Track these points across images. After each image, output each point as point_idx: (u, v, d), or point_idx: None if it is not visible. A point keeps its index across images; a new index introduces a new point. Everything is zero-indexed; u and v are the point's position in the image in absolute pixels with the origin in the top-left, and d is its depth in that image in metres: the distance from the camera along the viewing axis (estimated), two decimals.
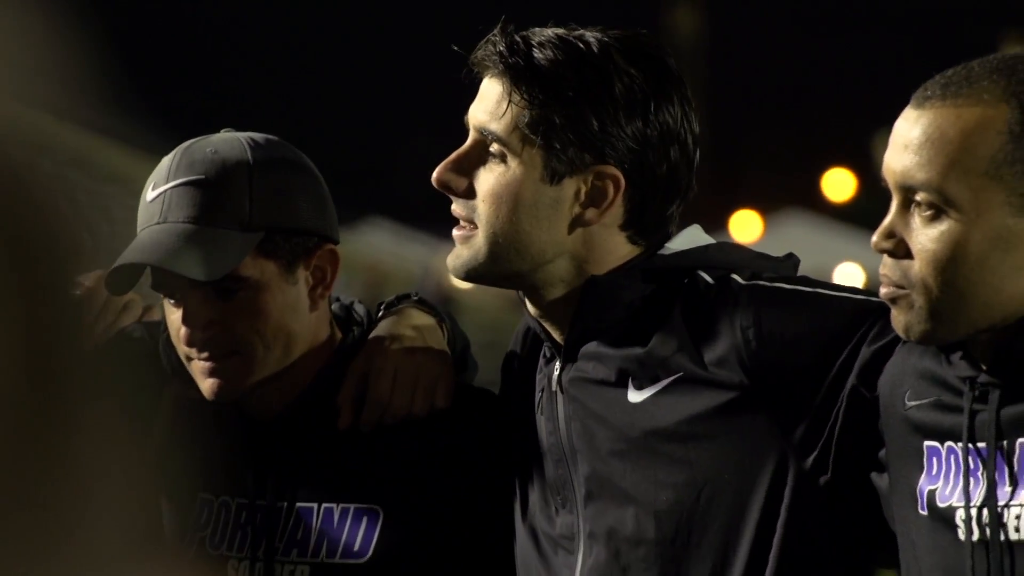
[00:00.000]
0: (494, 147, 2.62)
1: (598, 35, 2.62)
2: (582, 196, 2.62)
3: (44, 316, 0.55)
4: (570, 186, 2.62)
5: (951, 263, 2.33)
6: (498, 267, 2.63)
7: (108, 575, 0.61)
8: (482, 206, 2.62)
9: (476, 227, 2.63)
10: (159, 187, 2.73)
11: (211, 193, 2.72)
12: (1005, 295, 2.35)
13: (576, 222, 2.63)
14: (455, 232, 2.66)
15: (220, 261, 2.68)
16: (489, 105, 2.62)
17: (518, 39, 2.61)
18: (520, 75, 2.59)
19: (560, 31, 2.62)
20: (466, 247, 2.64)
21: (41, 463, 0.56)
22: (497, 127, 2.61)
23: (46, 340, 0.54)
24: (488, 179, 2.63)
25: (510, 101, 2.60)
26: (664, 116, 2.62)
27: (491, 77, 2.63)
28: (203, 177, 2.72)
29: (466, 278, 2.68)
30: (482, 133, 2.63)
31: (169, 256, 2.67)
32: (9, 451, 0.53)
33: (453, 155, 2.65)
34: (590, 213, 2.62)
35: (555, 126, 2.59)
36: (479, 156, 2.64)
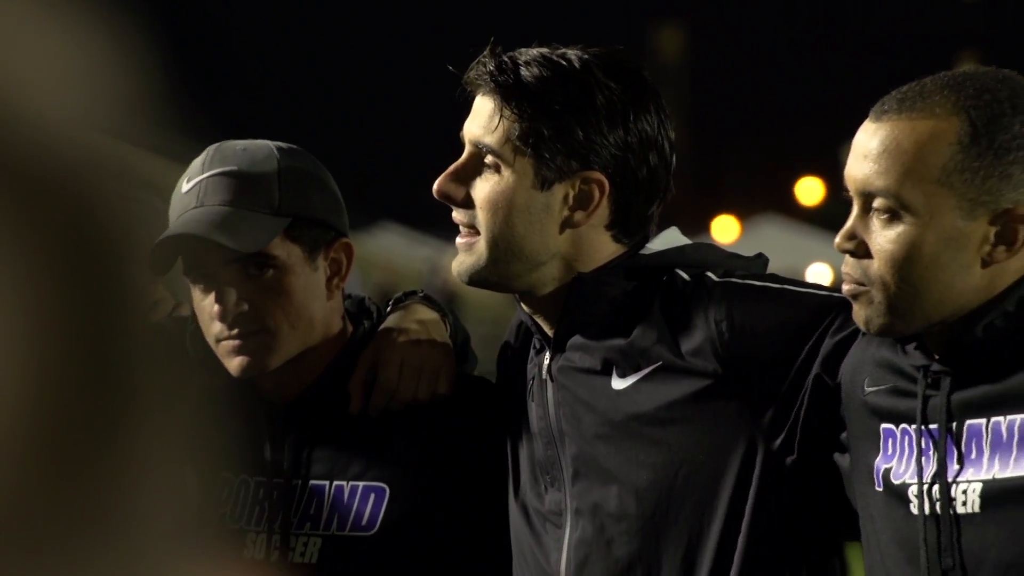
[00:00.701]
0: (488, 159, 2.62)
1: (579, 52, 2.62)
2: (571, 200, 2.62)
3: (103, 314, 0.52)
4: (559, 191, 2.61)
5: (907, 262, 2.34)
6: (498, 270, 2.62)
7: (160, 569, 0.57)
8: (481, 213, 2.61)
9: (477, 234, 2.62)
10: (194, 178, 2.73)
11: (244, 180, 2.72)
12: (955, 290, 2.35)
13: (566, 224, 2.63)
14: (459, 240, 2.65)
15: (254, 237, 2.69)
16: (483, 120, 2.62)
17: (506, 59, 2.61)
18: (510, 92, 2.59)
19: (544, 50, 2.63)
20: (469, 254, 2.63)
21: (98, 458, 0.54)
22: (491, 140, 2.61)
23: (105, 339, 0.51)
24: (485, 188, 2.62)
25: (501, 116, 2.59)
26: (642, 124, 2.62)
27: (483, 95, 2.63)
28: (236, 168, 2.73)
29: (470, 282, 2.66)
30: (477, 146, 2.63)
31: (210, 230, 2.67)
32: (67, 443, 0.51)
33: (451, 168, 2.65)
34: (578, 215, 2.62)
35: (543, 137, 2.59)
36: (475, 168, 2.64)
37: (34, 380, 0.50)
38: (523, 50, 2.64)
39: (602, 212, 2.62)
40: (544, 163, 2.60)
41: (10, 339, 0.49)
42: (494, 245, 2.61)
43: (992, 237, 2.33)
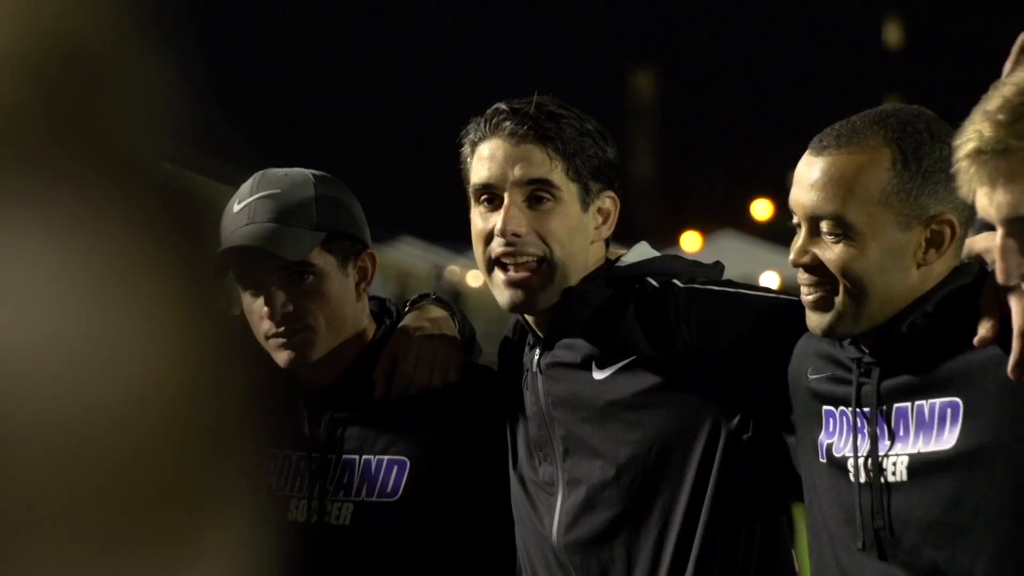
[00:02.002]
0: (543, 194, 2.57)
1: (539, 98, 2.62)
2: (597, 219, 2.63)
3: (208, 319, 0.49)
4: (591, 211, 2.62)
5: (857, 273, 2.34)
6: (558, 288, 2.59)
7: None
8: (553, 243, 2.57)
9: (545, 264, 2.57)
10: (244, 200, 2.73)
11: (286, 201, 2.72)
12: (896, 292, 2.35)
13: (593, 239, 2.64)
14: (518, 275, 2.57)
15: (298, 248, 2.69)
16: (529, 159, 2.57)
17: (523, 109, 2.58)
18: (546, 134, 2.57)
19: (549, 102, 2.62)
20: (531, 282, 2.57)
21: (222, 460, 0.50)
22: (548, 173, 2.57)
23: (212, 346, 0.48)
24: (555, 221, 2.58)
25: (551, 155, 2.56)
26: (615, 147, 2.65)
27: (519, 142, 2.57)
28: (279, 191, 2.73)
29: (523, 309, 2.63)
30: (536, 184, 2.56)
31: (261, 242, 2.68)
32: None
33: (512, 212, 2.56)
34: (603, 230, 2.64)
35: (580, 166, 2.58)
36: (530, 202, 2.58)
37: (175, 381, 0.47)
38: (505, 104, 2.61)
39: (613, 225, 2.65)
40: (583, 188, 2.59)
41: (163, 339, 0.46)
42: (564, 271, 2.59)
43: (924, 243, 2.34)
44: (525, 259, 2.57)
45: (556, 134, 2.57)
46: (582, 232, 2.60)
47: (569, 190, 2.58)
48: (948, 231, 2.34)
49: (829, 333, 2.39)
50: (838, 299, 2.35)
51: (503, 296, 2.58)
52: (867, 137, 2.35)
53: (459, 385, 2.77)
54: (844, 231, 2.34)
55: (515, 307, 2.60)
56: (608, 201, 2.63)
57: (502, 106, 2.61)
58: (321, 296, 2.72)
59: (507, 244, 2.56)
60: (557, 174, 2.57)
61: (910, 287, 2.35)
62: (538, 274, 2.57)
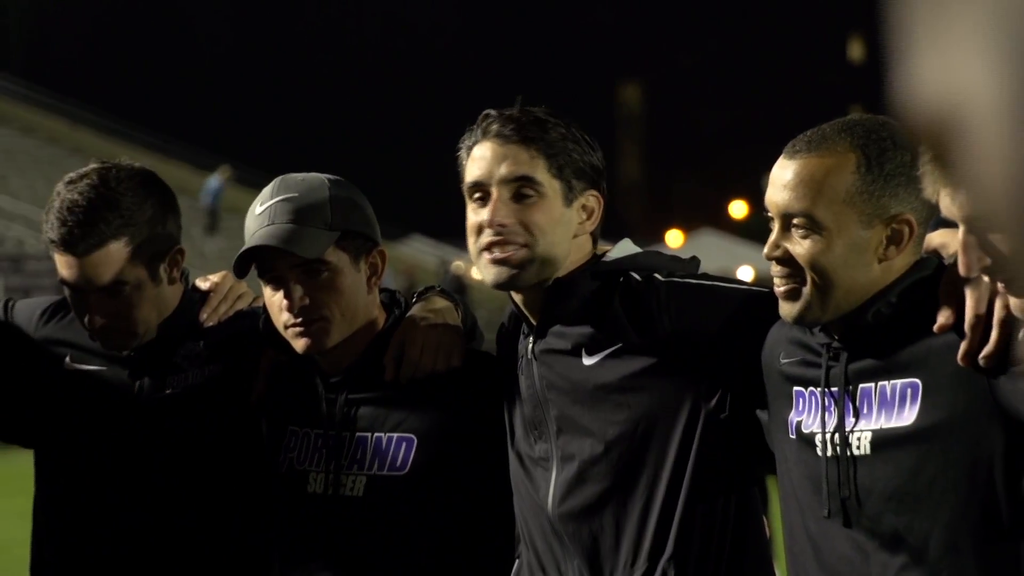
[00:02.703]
0: (527, 187, 2.58)
1: (529, 107, 2.63)
2: (580, 215, 2.62)
3: None
4: (575, 207, 2.60)
5: (824, 266, 2.34)
6: (537, 275, 2.59)
7: None
8: (536, 233, 2.56)
9: (528, 248, 2.57)
10: (265, 203, 2.73)
11: (304, 204, 2.71)
12: (860, 284, 2.35)
13: (576, 234, 2.62)
14: (494, 254, 2.57)
15: (314, 247, 2.68)
16: (523, 160, 2.57)
17: (510, 117, 2.59)
18: (532, 136, 2.57)
19: (536, 110, 2.62)
20: (514, 264, 2.56)
21: None
22: (532, 171, 2.57)
23: None
24: (538, 214, 2.57)
25: (535, 155, 2.57)
26: (599, 152, 2.64)
27: (507, 144, 2.58)
28: (297, 195, 2.72)
29: (507, 288, 2.62)
30: (521, 182, 2.57)
31: (282, 242, 2.67)
32: None
33: (496, 206, 2.57)
34: (587, 225, 2.62)
35: (564, 166, 2.58)
36: (516, 197, 2.58)
37: None
38: (495, 111, 2.62)
39: (597, 221, 2.63)
40: (566, 186, 2.59)
41: None
42: (544, 259, 2.58)
43: (885, 240, 2.34)
44: (511, 247, 2.57)
45: (540, 136, 2.58)
46: (565, 225, 2.59)
47: (552, 187, 2.57)
48: (907, 230, 2.34)
49: (799, 321, 2.39)
50: (806, 289, 2.36)
51: (488, 274, 2.59)
52: (835, 143, 2.36)
53: (461, 369, 2.76)
54: (813, 227, 2.34)
55: (499, 284, 2.59)
56: (592, 199, 2.62)
57: (491, 112, 2.63)
58: (335, 290, 2.71)
59: (495, 234, 2.56)
60: (540, 172, 2.57)
61: (872, 279, 2.35)
62: (520, 253, 2.56)
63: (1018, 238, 0.36)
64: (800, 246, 2.35)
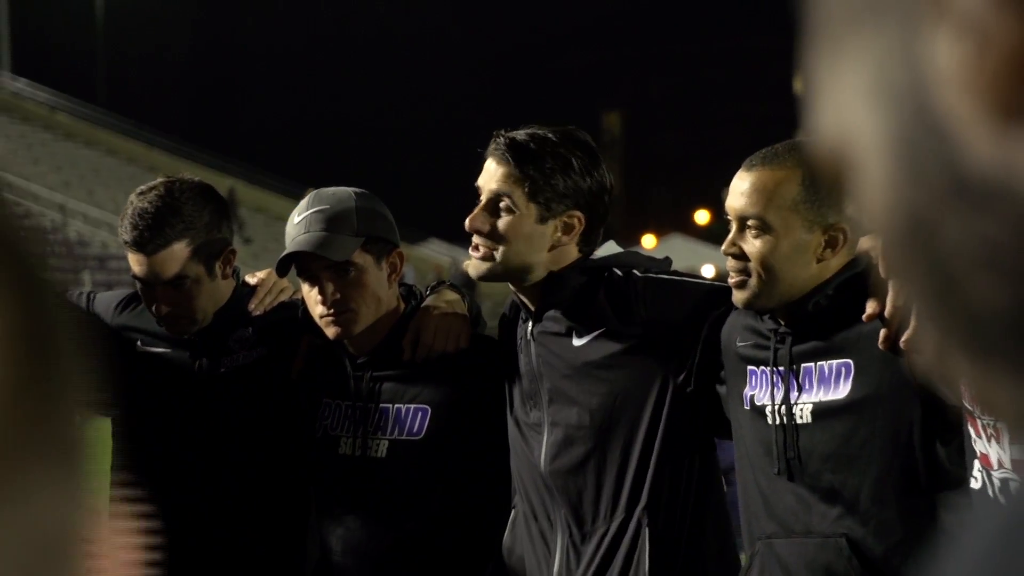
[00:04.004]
0: (504, 203, 2.57)
1: (556, 131, 2.60)
2: (559, 230, 2.58)
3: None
4: (551, 225, 2.57)
5: (770, 262, 2.34)
6: (506, 275, 2.60)
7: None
8: (500, 242, 2.56)
9: (494, 252, 2.57)
10: (302, 213, 2.72)
11: (334, 214, 2.70)
12: (800, 279, 2.34)
13: (554, 245, 2.59)
14: (475, 253, 2.60)
15: (343, 251, 2.67)
16: (502, 177, 2.57)
17: (513, 139, 2.57)
18: (521, 159, 2.55)
19: (533, 130, 2.60)
20: (486, 264, 2.58)
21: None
22: (510, 190, 2.56)
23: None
24: (505, 225, 2.57)
25: (515, 175, 2.55)
26: (599, 175, 2.60)
27: (499, 161, 2.58)
28: (328, 207, 2.71)
29: (483, 280, 2.65)
30: (497, 195, 2.57)
31: (316, 247, 2.66)
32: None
33: (477, 210, 2.59)
34: (564, 239, 2.59)
35: (543, 189, 2.55)
36: (494, 210, 2.58)
37: None
38: (523, 131, 2.60)
39: (578, 236, 2.60)
40: (542, 207, 2.56)
41: None
42: (506, 261, 2.57)
43: (823, 244, 2.33)
44: (483, 250, 2.58)
45: (529, 163, 2.55)
46: (537, 239, 2.56)
47: (527, 208, 2.55)
48: (841, 236, 2.33)
49: (748, 306, 2.39)
50: (752, 280, 2.36)
51: (470, 268, 2.63)
52: (785, 159, 2.36)
53: (468, 350, 2.75)
54: (764, 229, 2.34)
55: (477, 277, 2.63)
56: (574, 218, 2.58)
57: (504, 133, 2.61)
58: (361, 286, 2.70)
59: (475, 236, 2.59)
60: (517, 193, 2.55)
61: (811, 276, 2.34)
62: (487, 258, 2.58)
63: (891, 256, 0.37)
64: (752, 244, 2.35)
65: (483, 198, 2.59)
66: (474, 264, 2.61)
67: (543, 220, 2.56)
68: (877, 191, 0.36)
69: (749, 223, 2.35)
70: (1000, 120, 0.33)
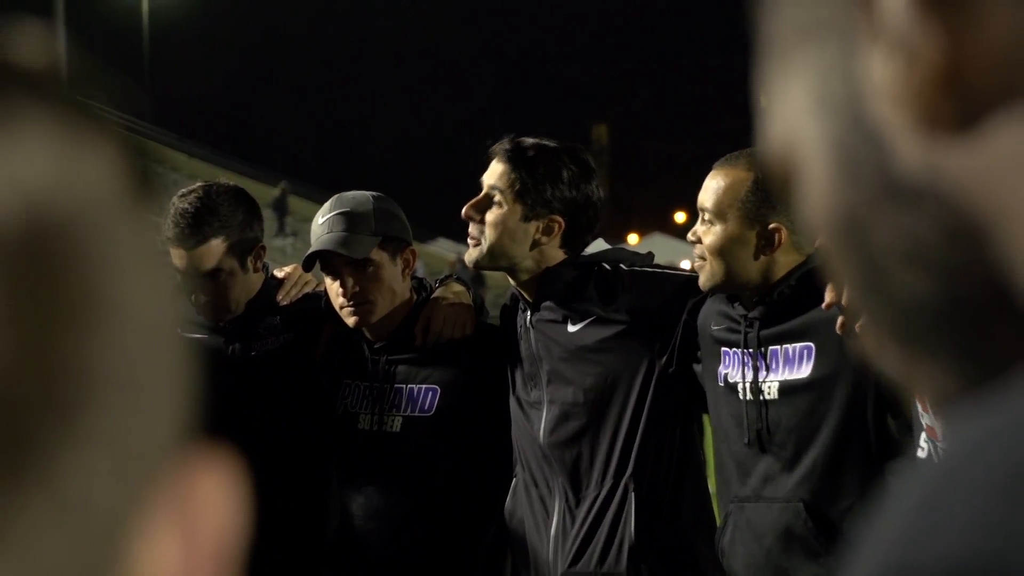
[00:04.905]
0: (496, 198, 2.57)
1: (556, 143, 2.60)
2: (540, 231, 2.57)
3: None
4: (533, 225, 2.57)
5: (716, 250, 2.35)
6: (492, 263, 2.60)
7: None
8: (487, 230, 2.57)
9: (482, 241, 2.58)
10: (325, 215, 2.71)
11: (354, 216, 2.69)
12: (746, 270, 2.34)
13: (535, 244, 2.58)
14: (471, 241, 2.61)
15: (362, 249, 2.66)
16: (497, 175, 2.57)
17: (517, 144, 2.58)
18: (516, 162, 2.56)
19: (537, 140, 2.60)
20: (476, 251, 2.59)
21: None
22: (501, 187, 2.56)
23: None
24: (491, 216, 2.57)
25: (508, 175, 2.56)
26: (587, 189, 2.59)
27: (499, 160, 2.59)
28: (349, 209, 2.70)
29: (475, 268, 2.64)
30: (492, 189, 2.58)
31: (337, 246, 2.65)
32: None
33: (473, 201, 2.60)
34: (544, 240, 2.57)
35: (530, 192, 2.55)
36: (487, 203, 2.59)
37: None
38: (524, 138, 2.61)
39: (557, 239, 2.58)
40: (527, 207, 2.56)
41: None
42: (491, 250, 2.57)
43: (762, 242, 2.34)
44: (473, 239, 2.59)
45: (521, 166, 2.56)
46: (518, 234, 2.56)
47: (513, 206, 2.56)
48: (778, 236, 2.33)
49: (707, 288, 2.40)
50: (707, 265, 2.36)
51: (467, 256, 2.64)
52: (740, 164, 2.37)
53: (473, 336, 2.74)
54: (712, 221, 2.35)
55: (470, 264, 2.62)
56: (555, 224, 2.57)
57: (509, 139, 2.62)
58: (378, 280, 2.69)
59: (470, 227, 2.60)
60: (507, 190, 2.56)
61: (757, 270, 2.34)
62: (477, 245, 2.59)
63: (831, 250, 0.37)
64: (705, 234, 2.36)
65: (483, 191, 2.59)
66: (469, 253, 2.62)
67: (526, 219, 2.56)
68: (819, 192, 0.37)
69: (705, 216, 2.37)
70: (926, 130, 0.33)
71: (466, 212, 2.59)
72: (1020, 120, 0.32)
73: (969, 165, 0.33)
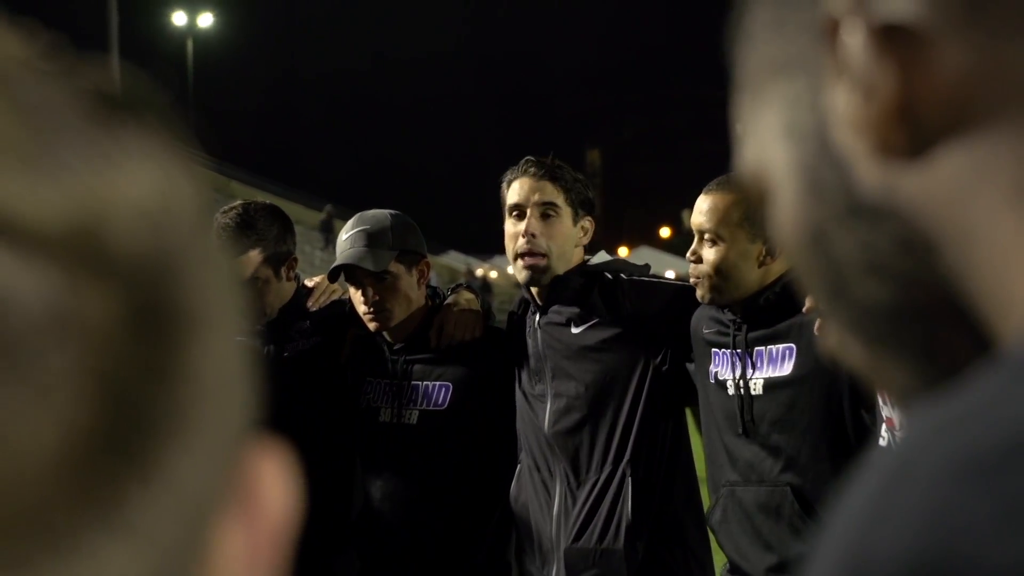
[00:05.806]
0: (551, 210, 2.54)
1: (556, 160, 2.60)
2: (581, 231, 2.57)
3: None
4: (579, 226, 2.57)
5: (721, 267, 2.31)
6: (556, 271, 2.55)
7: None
8: (553, 244, 2.53)
9: (547, 257, 2.53)
10: (348, 231, 2.70)
11: (373, 232, 2.67)
12: (747, 280, 2.31)
13: (576, 245, 2.58)
14: (531, 261, 2.51)
15: (381, 262, 2.64)
16: (548, 191, 2.54)
17: (540, 162, 2.57)
18: (555, 176, 2.55)
19: (542, 158, 2.60)
20: (542, 262, 2.52)
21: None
22: (555, 200, 2.54)
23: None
24: (553, 226, 2.54)
25: (555, 188, 2.54)
26: (594, 195, 2.62)
27: (539, 179, 2.55)
28: (369, 227, 2.68)
29: (534, 283, 2.55)
30: (545, 207, 2.53)
31: (359, 260, 2.63)
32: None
33: (530, 225, 2.52)
34: (583, 240, 2.58)
35: (572, 198, 2.55)
36: (544, 216, 2.54)
37: None
38: (545, 159, 2.60)
39: (589, 237, 2.59)
40: (574, 211, 2.55)
41: None
42: (558, 259, 2.54)
43: (764, 251, 2.31)
44: (537, 256, 2.54)
45: (560, 176, 2.55)
46: (572, 238, 2.56)
47: (566, 211, 2.54)
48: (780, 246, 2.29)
49: (708, 302, 2.36)
50: (709, 281, 2.34)
51: (522, 275, 2.54)
52: (733, 186, 2.33)
53: (482, 338, 2.72)
54: (715, 240, 2.31)
55: (529, 281, 2.55)
56: (588, 222, 2.58)
57: (530, 158, 2.60)
58: (396, 290, 2.68)
59: (528, 243, 2.53)
60: (560, 200, 2.54)
61: (757, 277, 2.33)
62: (543, 261, 2.53)
63: (798, 262, 0.38)
64: (708, 252, 2.33)
65: (529, 210, 2.53)
66: (525, 272, 2.51)
67: (575, 222, 2.56)
68: (788, 209, 0.38)
69: (705, 236, 2.33)
70: (882, 156, 0.34)
71: (528, 229, 2.50)
72: (965, 148, 0.32)
73: (921, 187, 0.33)
